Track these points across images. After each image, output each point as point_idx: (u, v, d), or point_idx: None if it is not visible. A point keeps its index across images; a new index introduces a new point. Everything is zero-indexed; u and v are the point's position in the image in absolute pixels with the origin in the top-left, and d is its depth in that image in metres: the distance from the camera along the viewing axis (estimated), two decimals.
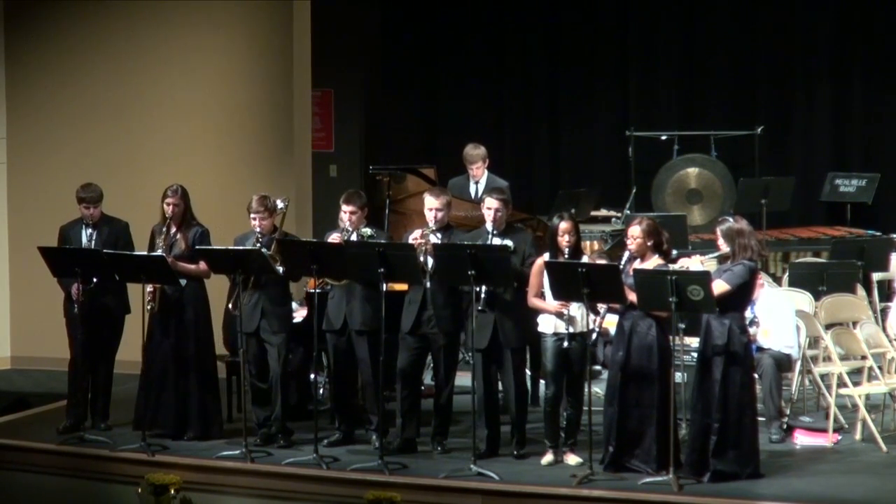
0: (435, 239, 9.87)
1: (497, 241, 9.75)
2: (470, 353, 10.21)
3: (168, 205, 10.59)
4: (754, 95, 16.53)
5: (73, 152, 13.62)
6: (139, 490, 9.56)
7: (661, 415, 9.27)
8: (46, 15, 13.80)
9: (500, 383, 10.06)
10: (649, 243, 9.43)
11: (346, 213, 10.21)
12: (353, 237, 10.10)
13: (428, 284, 9.84)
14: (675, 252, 9.85)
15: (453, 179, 12.52)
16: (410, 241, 9.92)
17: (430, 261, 9.78)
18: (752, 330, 9.85)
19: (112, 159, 13.42)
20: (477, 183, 12.59)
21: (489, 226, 9.88)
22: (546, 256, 9.63)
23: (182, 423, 10.59)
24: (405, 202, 11.97)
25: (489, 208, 9.89)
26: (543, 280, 9.55)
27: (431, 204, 10.04)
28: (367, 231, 10.23)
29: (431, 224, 10.01)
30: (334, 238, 10.15)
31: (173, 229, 10.60)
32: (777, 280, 12.96)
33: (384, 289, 9.71)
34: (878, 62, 16.08)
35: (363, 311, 10.20)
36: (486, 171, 12.62)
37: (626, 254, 9.55)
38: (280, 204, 10.52)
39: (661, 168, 15.67)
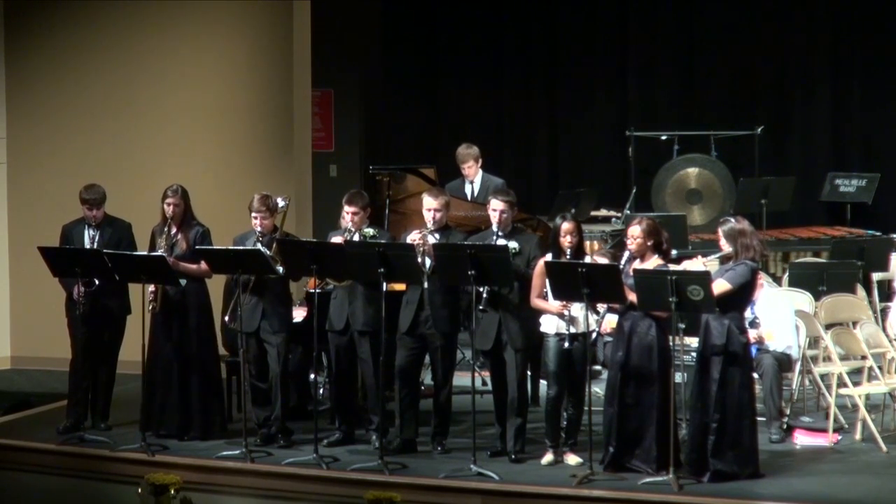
0: (433, 239, 9.87)
1: (502, 242, 9.74)
2: (470, 353, 10.23)
3: (168, 205, 10.59)
4: (754, 95, 16.55)
5: (74, 152, 13.63)
6: (139, 490, 9.56)
7: (660, 415, 9.28)
8: (46, 15, 13.80)
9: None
10: (649, 243, 9.42)
11: (348, 213, 10.20)
12: (356, 238, 10.10)
13: (426, 285, 9.85)
14: (675, 252, 9.85)
15: (448, 184, 12.49)
16: (409, 241, 9.92)
17: (428, 261, 9.79)
18: (752, 332, 9.85)
19: (112, 159, 13.43)
20: (472, 183, 12.59)
21: (495, 227, 9.88)
22: (548, 257, 9.63)
23: (185, 423, 10.59)
24: (405, 202, 11.96)
25: (494, 210, 9.88)
26: (545, 280, 9.55)
27: (430, 205, 10.04)
28: (370, 231, 10.23)
29: (430, 225, 10.01)
30: (336, 240, 10.15)
31: (174, 229, 10.60)
32: (777, 280, 12.97)
33: (384, 289, 9.71)
34: (877, 62, 16.08)
35: (365, 311, 10.20)
36: (480, 171, 12.62)
37: (626, 254, 9.55)
38: (281, 203, 10.52)
39: (661, 168, 15.66)
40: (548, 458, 9.75)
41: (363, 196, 10.35)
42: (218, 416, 10.74)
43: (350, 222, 10.18)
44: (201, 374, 10.61)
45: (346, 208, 10.20)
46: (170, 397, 10.59)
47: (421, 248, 9.82)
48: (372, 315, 10.14)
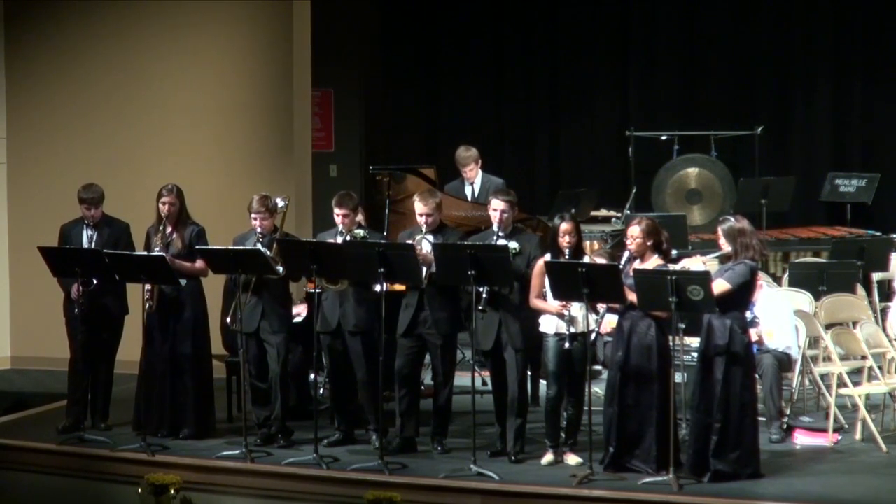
0: (427, 244, 9.86)
1: (503, 243, 9.74)
2: (470, 353, 10.22)
3: (164, 204, 10.58)
4: (754, 95, 16.55)
5: (73, 152, 13.63)
6: (139, 490, 9.56)
7: (660, 415, 9.27)
8: (46, 15, 13.80)
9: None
10: (649, 243, 9.42)
11: (338, 216, 10.19)
12: (347, 239, 10.09)
13: (424, 285, 9.84)
14: (675, 252, 9.85)
15: (449, 185, 12.51)
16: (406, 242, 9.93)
17: (425, 270, 9.80)
18: (752, 331, 9.84)
19: (112, 159, 13.43)
20: (472, 184, 12.59)
21: (496, 227, 9.88)
22: (548, 257, 9.63)
23: (178, 421, 10.59)
24: (405, 202, 11.95)
25: (495, 209, 9.88)
26: (545, 280, 9.55)
27: (421, 209, 10.02)
28: (360, 233, 10.22)
29: (423, 229, 10.00)
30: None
31: (169, 228, 10.59)
32: (777, 280, 12.97)
33: (384, 289, 9.71)
34: (877, 62, 16.10)
35: (356, 312, 10.19)
36: (480, 172, 12.62)
37: (626, 254, 9.55)
38: (280, 203, 10.52)
39: (660, 168, 15.67)
40: (548, 458, 9.75)
41: (352, 197, 10.32)
42: (210, 416, 10.74)
43: (341, 224, 10.18)
44: (195, 374, 10.61)
45: (336, 211, 10.19)
46: (163, 396, 10.59)
47: (421, 260, 9.82)
48: (363, 316, 10.14)
